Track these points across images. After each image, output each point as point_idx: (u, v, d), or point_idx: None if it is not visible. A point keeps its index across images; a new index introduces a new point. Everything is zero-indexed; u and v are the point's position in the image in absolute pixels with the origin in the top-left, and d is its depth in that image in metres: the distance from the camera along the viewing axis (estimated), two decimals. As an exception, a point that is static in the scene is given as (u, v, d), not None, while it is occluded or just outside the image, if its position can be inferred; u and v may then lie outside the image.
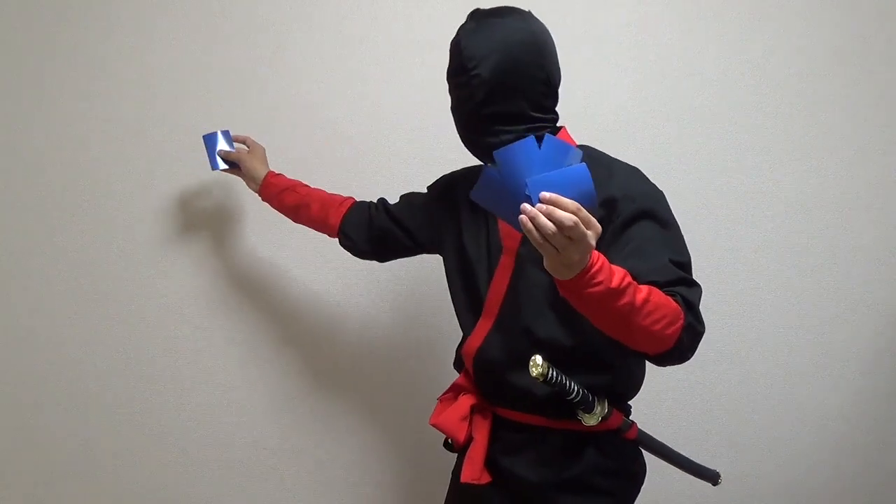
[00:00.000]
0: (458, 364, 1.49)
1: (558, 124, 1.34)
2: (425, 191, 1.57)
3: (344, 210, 1.61)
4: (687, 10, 1.94)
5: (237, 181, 1.77)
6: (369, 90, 1.88)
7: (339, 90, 1.87)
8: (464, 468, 1.34)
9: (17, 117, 1.83)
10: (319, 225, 1.64)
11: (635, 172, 1.30)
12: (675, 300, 1.14)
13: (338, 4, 1.86)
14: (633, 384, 1.38)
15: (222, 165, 1.70)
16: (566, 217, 0.95)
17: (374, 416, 1.96)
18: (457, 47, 1.28)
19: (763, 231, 2.00)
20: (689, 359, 1.19)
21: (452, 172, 1.55)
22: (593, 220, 0.99)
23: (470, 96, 1.26)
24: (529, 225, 0.97)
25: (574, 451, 1.32)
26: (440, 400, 1.46)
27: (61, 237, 1.86)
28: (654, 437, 1.42)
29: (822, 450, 2.06)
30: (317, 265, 1.90)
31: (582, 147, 1.31)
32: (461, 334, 1.44)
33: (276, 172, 1.68)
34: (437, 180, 1.56)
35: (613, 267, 1.07)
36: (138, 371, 1.89)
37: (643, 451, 1.42)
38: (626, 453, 1.37)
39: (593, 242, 0.99)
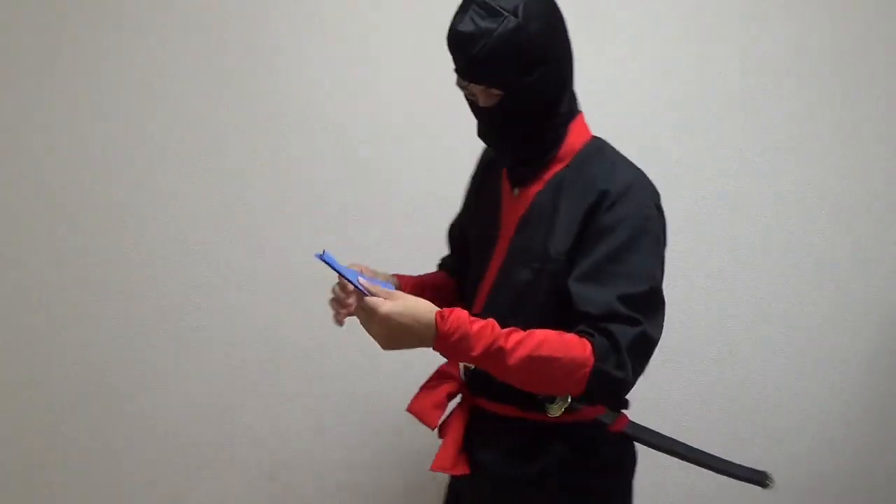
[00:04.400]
0: None
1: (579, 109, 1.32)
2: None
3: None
4: (687, 10, 1.94)
5: (239, 180, 1.76)
6: (369, 89, 1.88)
7: (339, 89, 1.87)
8: (436, 457, 1.30)
9: (17, 117, 1.84)
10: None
11: (638, 177, 1.26)
12: (591, 340, 1.09)
13: (338, 4, 1.87)
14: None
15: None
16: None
17: (375, 418, 1.97)
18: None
19: (763, 231, 2.00)
20: (612, 401, 1.23)
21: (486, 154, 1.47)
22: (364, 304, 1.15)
23: None
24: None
25: (542, 443, 1.27)
26: (422, 388, 1.41)
27: (61, 236, 1.86)
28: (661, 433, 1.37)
29: (821, 450, 2.06)
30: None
31: (596, 139, 1.32)
32: None
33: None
34: (478, 164, 1.49)
35: (481, 332, 1.09)
36: (138, 371, 1.90)
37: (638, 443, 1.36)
38: (604, 445, 1.30)
39: (373, 322, 1.14)
